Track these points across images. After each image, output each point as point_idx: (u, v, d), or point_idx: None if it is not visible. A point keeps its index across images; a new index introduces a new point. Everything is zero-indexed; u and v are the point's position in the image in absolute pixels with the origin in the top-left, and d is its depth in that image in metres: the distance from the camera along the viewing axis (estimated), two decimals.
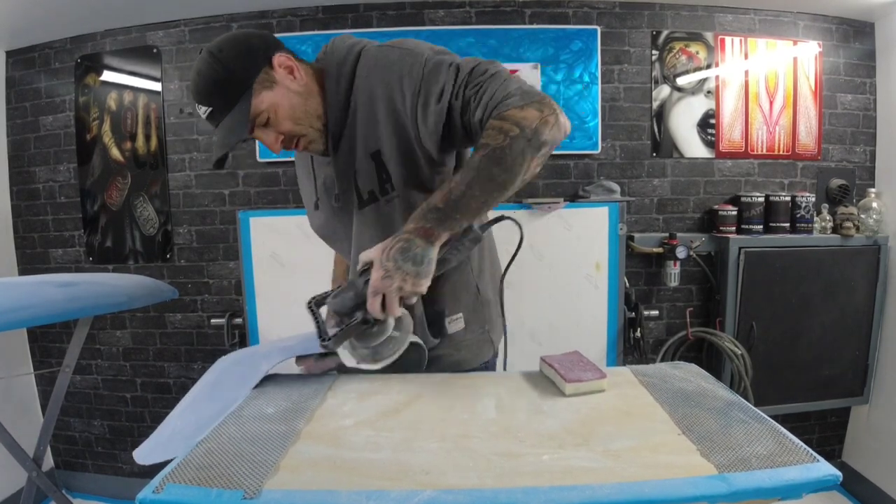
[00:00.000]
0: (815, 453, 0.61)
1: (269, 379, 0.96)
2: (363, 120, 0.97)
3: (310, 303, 0.88)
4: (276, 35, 2.24)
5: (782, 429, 0.67)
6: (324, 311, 0.90)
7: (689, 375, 0.90)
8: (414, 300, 0.84)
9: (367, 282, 0.82)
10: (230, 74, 0.90)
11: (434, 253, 0.82)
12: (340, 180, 1.03)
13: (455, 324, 1.08)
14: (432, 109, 0.89)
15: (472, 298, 1.10)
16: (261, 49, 0.94)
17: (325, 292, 0.91)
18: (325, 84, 0.99)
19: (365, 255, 0.85)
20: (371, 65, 0.96)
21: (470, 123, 0.89)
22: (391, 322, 0.87)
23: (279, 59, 0.95)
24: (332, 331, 0.84)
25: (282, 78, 0.94)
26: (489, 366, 1.17)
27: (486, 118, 0.84)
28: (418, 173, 0.98)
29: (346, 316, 0.85)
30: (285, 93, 0.94)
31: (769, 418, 0.71)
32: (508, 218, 0.94)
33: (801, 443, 0.64)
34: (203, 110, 0.93)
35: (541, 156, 0.83)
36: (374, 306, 0.81)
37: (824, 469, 0.59)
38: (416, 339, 0.94)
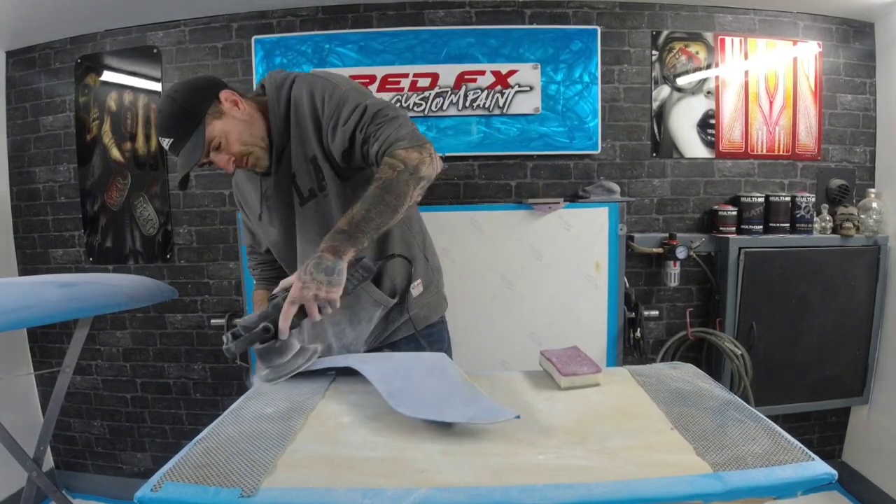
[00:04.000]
0: (810, 452, 0.61)
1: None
2: (299, 132, 1.18)
3: (227, 332, 0.98)
4: (276, 35, 2.25)
5: (778, 428, 0.67)
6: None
7: (687, 375, 0.90)
8: (329, 310, 0.96)
9: (273, 304, 0.95)
10: (185, 111, 1.11)
11: (343, 265, 0.96)
12: (279, 186, 1.23)
13: (417, 288, 1.31)
14: (339, 130, 1.11)
15: (424, 266, 1.36)
16: (209, 88, 1.15)
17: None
18: (269, 108, 1.18)
19: (285, 282, 0.99)
20: (302, 89, 1.17)
21: (367, 153, 1.11)
22: (295, 342, 0.99)
23: (225, 94, 1.15)
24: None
25: (228, 109, 1.14)
26: (443, 320, 1.44)
27: (381, 153, 1.06)
28: (340, 173, 1.19)
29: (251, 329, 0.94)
30: (232, 121, 1.14)
31: (765, 417, 0.71)
32: (401, 256, 1.24)
33: (797, 441, 0.64)
34: (166, 142, 1.12)
35: (420, 187, 1.05)
36: (287, 315, 0.92)
37: (820, 468, 0.59)
38: (313, 350, 1.03)
